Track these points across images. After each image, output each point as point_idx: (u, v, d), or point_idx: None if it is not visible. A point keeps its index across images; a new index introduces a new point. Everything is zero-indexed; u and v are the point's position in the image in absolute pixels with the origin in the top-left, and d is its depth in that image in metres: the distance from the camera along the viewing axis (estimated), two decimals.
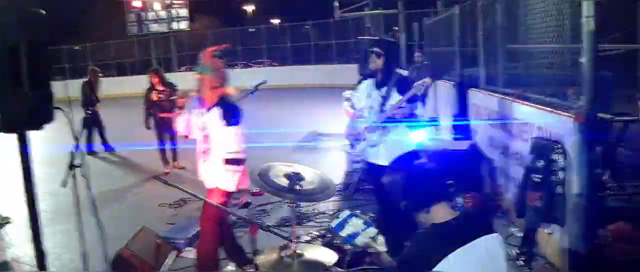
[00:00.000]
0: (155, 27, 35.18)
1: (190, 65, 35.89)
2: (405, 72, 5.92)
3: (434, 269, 2.58)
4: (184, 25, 35.25)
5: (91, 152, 12.47)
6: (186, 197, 8.00)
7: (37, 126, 3.73)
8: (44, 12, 3.85)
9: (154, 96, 10.04)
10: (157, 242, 5.82)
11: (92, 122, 12.53)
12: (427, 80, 4.90)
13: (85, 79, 12.85)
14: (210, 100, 4.85)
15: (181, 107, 5.16)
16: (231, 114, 4.78)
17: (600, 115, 4.94)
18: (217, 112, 4.81)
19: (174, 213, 7.67)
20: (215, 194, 4.84)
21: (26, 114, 3.67)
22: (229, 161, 4.79)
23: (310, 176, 3.95)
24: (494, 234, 2.78)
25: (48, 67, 3.92)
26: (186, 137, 5.19)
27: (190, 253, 6.02)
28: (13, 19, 3.66)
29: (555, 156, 4.83)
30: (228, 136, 4.79)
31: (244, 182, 5.04)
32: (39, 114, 3.72)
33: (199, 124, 4.96)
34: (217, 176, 4.86)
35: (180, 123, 5.14)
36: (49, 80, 3.84)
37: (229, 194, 4.90)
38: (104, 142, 13.03)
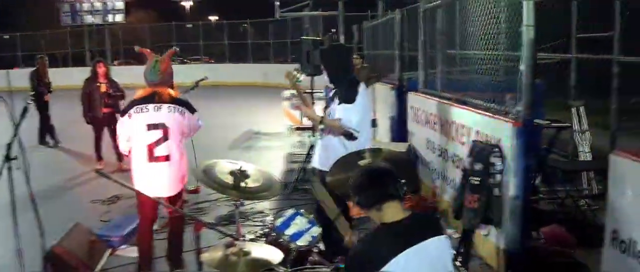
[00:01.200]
0: (89, 19, 34.27)
1: (125, 59, 35.21)
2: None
3: (383, 269, 2.59)
4: (119, 18, 34.49)
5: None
6: (120, 193, 7.85)
7: None
8: None
9: (103, 88, 9.54)
10: (91, 240, 5.67)
11: (42, 116, 12.20)
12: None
13: (33, 69, 12.37)
14: None
15: None
16: None
17: (536, 121, 5.10)
18: None
19: (107, 210, 7.50)
20: None
21: None
22: None
23: (255, 174, 3.93)
24: (443, 236, 2.82)
25: None
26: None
27: (125, 251, 5.93)
28: None
29: (493, 159, 4.95)
30: None
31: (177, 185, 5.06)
32: None
33: None
34: None
35: None
36: None
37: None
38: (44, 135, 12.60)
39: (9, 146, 4.16)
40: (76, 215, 6.68)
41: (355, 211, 2.89)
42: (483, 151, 5.05)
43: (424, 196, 7.19)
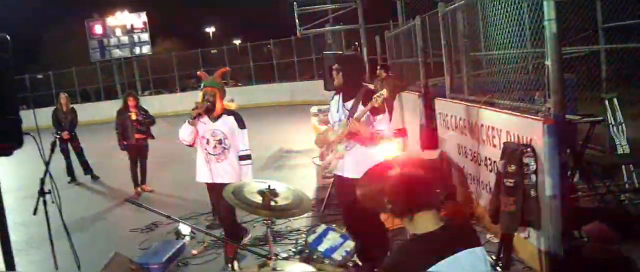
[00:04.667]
0: (117, 53, 34.93)
1: (155, 89, 35.74)
2: (371, 86, 5.87)
3: None
4: (146, 49, 35.06)
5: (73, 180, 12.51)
6: (157, 221, 7.89)
7: (7, 152, 3.64)
8: (8, 37, 3.74)
9: (134, 115, 10.12)
10: (132, 268, 5.67)
11: (65, 151, 12.18)
12: (384, 92, 4.89)
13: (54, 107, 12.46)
14: (218, 110, 5.92)
15: (194, 118, 5.83)
16: (242, 120, 6.00)
17: (568, 117, 4.97)
18: (230, 119, 5.94)
19: (146, 237, 7.52)
20: None
21: None
22: (243, 157, 5.95)
23: (284, 192, 3.90)
24: (478, 248, 2.68)
25: (15, 93, 3.82)
26: (191, 145, 6.02)
27: None
28: None
29: (526, 160, 4.84)
30: (243, 138, 5.97)
31: None
32: (8, 139, 3.62)
33: (208, 132, 5.90)
34: (233, 172, 5.90)
35: (186, 132, 5.92)
36: (16, 106, 3.75)
37: None
38: (85, 167, 12.70)
39: (42, 181, 4.21)
40: (115, 245, 6.71)
41: (391, 222, 2.81)
42: (515, 152, 4.94)
43: (460, 203, 7.07)
